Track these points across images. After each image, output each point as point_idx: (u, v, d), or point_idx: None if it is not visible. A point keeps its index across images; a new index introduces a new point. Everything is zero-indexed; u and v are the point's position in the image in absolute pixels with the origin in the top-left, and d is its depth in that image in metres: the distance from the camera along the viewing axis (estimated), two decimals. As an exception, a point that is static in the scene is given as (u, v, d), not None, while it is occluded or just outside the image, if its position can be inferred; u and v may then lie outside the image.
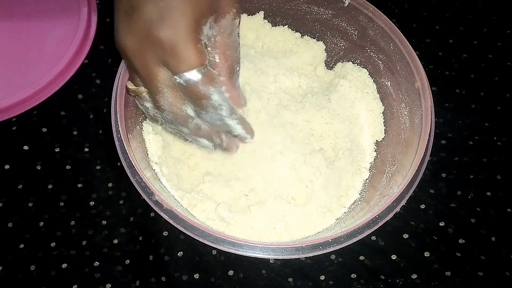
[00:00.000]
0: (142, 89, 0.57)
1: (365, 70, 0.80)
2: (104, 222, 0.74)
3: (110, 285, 0.70)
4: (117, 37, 0.52)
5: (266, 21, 0.83)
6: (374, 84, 0.79)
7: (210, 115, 0.59)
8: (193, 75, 0.53)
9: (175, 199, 0.70)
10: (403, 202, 0.63)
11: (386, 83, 0.77)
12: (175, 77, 0.53)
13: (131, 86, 0.58)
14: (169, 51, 0.51)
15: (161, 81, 0.54)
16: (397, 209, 0.62)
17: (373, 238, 0.74)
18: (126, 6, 0.51)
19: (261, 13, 0.81)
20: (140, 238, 0.73)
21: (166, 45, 0.51)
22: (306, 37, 0.84)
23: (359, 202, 0.72)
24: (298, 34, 0.84)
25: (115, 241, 0.73)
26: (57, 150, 0.79)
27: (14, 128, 0.80)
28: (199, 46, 0.52)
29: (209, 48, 0.55)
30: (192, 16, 0.51)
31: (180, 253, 0.72)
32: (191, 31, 0.51)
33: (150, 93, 0.56)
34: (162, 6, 0.49)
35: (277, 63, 0.81)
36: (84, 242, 0.73)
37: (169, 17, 0.50)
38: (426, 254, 0.73)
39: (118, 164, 0.69)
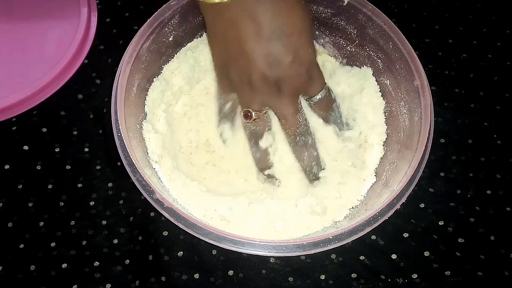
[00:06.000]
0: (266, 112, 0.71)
1: (364, 69, 0.80)
2: (104, 222, 0.74)
3: (110, 285, 0.70)
4: (271, 76, 0.64)
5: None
6: (375, 82, 0.79)
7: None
8: (325, 92, 0.71)
9: (175, 197, 0.70)
10: (403, 199, 0.63)
11: (386, 82, 0.77)
12: (312, 97, 0.71)
13: (255, 113, 0.70)
14: (309, 82, 0.68)
15: (299, 103, 0.69)
16: (397, 206, 0.63)
17: (373, 237, 0.74)
18: (271, 60, 0.63)
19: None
20: (140, 238, 0.73)
21: (308, 79, 0.67)
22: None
23: (359, 200, 0.73)
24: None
25: (115, 241, 0.73)
26: (57, 150, 0.78)
27: (14, 128, 0.80)
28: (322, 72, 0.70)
29: None
30: (316, 56, 0.67)
31: (180, 253, 0.72)
32: (318, 65, 0.69)
33: (288, 114, 0.69)
34: (302, 55, 0.64)
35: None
36: (84, 242, 0.72)
37: (307, 59, 0.65)
38: (426, 253, 0.73)
39: (118, 164, 0.70)
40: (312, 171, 0.73)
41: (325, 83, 0.70)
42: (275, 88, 0.65)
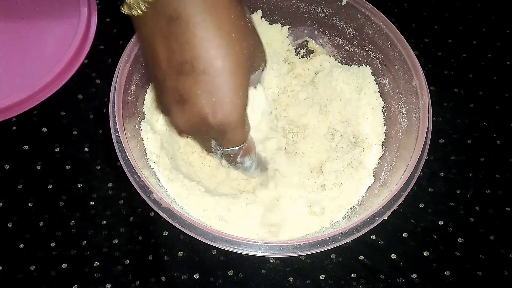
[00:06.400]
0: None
1: (363, 69, 0.80)
2: (104, 222, 0.74)
3: (110, 285, 0.70)
4: (173, 120, 0.56)
5: (264, 19, 0.83)
6: (374, 82, 0.79)
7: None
8: (235, 150, 0.61)
9: (173, 197, 0.70)
10: (401, 200, 0.63)
11: (384, 82, 0.77)
12: (221, 149, 0.61)
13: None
14: (221, 135, 0.57)
15: (212, 149, 0.62)
16: (395, 207, 0.63)
17: (373, 237, 0.74)
18: (177, 97, 0.54)
19: (259, 12, 0.81)
20: (140, 238, 0.73)
21: (219, 130, 0.55)
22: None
23: (357, 201, 0.73)
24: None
25: (115, 241, 0.73)
26: (57, 150, 0.79)
27: (14, 128, 0.80)
28: (245, 128, 0.58)
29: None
30: (241, 105, 0.55)
31: (179, 253, 0.72)
32: (241, 118, 0.56)
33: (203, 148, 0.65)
34: (215, 101, 0.53)
35: (276, 62, 0.81)
36: (84, 242, 0.73)
37: (221, 109, 0.53)
38: (426, 253, 0.73)
39: (118, 164, 0.69)
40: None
41: (244, 140, 0.60)
42: (182, 125, 0.57)
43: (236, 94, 0.53)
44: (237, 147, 0.60)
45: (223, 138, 0.57)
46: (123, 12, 0.53)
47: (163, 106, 0.58)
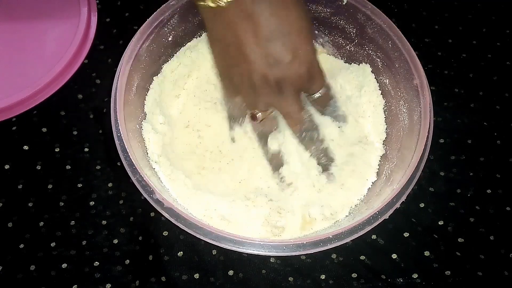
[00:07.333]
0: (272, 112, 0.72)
1: (364, 67, 0.80)
2: (104, 222, 0.74)
3: (110, 285, 0.70)
4: (268, 78, 0.64)
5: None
6: (374, 80, 0.79)
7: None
8: (325, 90, 0.71)
9: (175, 197, 0.70)
10: (403, 199, 0.63)
11: (385, 81, 0.77)
12: (312, 95, 0.71)
13: (262, 113, 0.71)
14: (311, 79, 0.68)
15: (303, 101, 0.71)
16: (397, 205, 0.63)
17: (374, 237, 0.74)
18: (271, 60, 0.63)
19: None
20: (140, 238, 0.73)
21: (310, 75, 0.66)
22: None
23: (359, 200, 0.73)
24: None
25: (115, 241, 0.73)
26: (57, 150, 0.78)
27: (14, 128, 0.80)
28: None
29: None
30: (315, 51, 0.67)
31: (180, 253, 0.72)
32: (319, 63, 0.68)
33: (292, 112, 0.70)
34: (302, 52, 0.64)
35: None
36: (84, 242, 0.73)
37: (307, 57, 0.65)
38: (426, 253, 0.73)
39: (118, 164, 0.70)
40: (322, 163, 0.74)
41: (325, 80, 0.70)
42: (277, 88, 0.65)
43: (312, 44, 0.66)
44: (325, 87, 0.71)
45: (314, 81, 0.68)
46: (202, 4, 0.62)
47: (247, 79, 0.65)
